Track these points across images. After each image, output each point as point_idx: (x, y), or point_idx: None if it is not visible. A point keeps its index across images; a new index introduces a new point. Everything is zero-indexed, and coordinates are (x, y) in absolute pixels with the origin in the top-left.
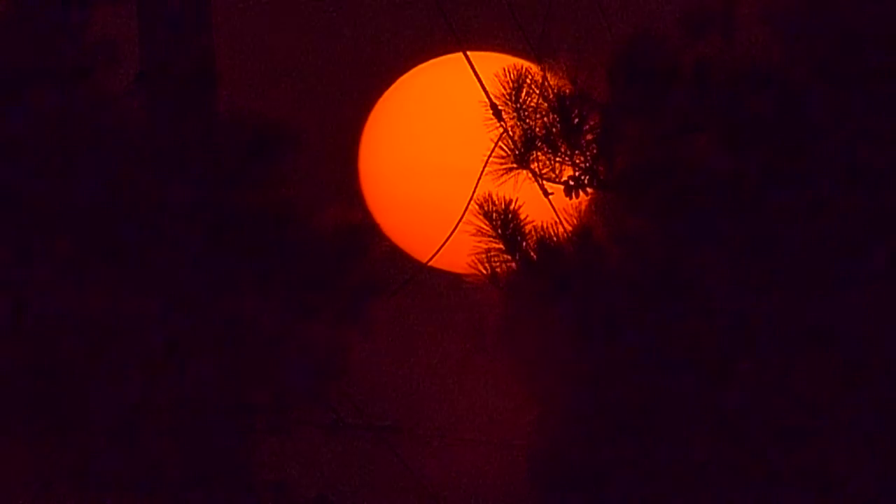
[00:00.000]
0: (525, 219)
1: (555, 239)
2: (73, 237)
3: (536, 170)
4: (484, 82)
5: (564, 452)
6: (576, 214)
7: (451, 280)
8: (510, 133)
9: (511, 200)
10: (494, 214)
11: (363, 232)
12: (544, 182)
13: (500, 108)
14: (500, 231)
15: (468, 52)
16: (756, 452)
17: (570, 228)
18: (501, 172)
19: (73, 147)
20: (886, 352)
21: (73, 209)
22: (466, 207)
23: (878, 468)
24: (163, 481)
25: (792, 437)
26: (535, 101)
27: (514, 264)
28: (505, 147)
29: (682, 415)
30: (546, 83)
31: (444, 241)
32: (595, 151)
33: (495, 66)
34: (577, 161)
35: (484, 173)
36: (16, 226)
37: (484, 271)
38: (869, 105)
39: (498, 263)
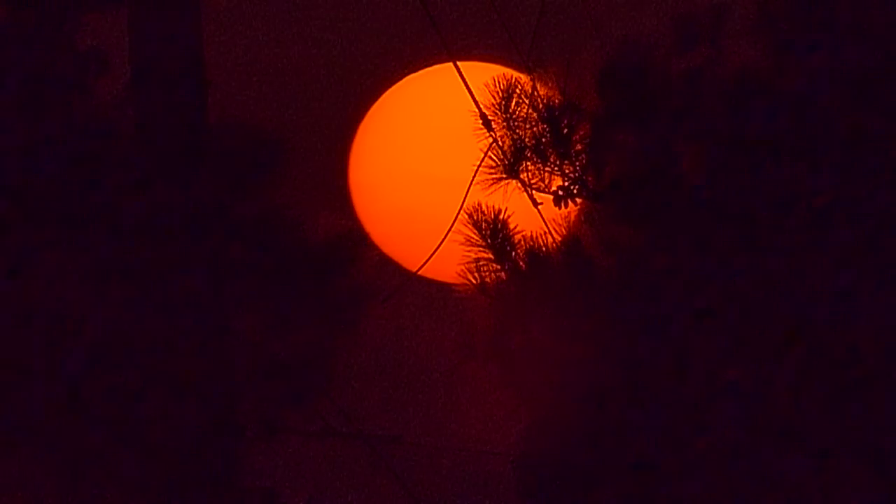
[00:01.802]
0: (514, 228)
1: (544, 248)
2: (63, 245)
3: (526, 180)
4: (474, 92)
5: (552, 461)
6: (565, 224)
7: (441, 289)
8: (500, 143)
9: (500, 210)
10: (484, 224)
11: (353, 241)
12: (534, 192)
13: (489, 117)
14: (489, 240)
15: (458, 62)
16: (748, 459)
17: (559, 238)
18: (491, 182)
19: (64, 154)
20: (883, 354)
21: (64, 217)
22: (456, 217)
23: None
24: (152, 488)
25: (785, 442)
26: (524, 111)
27: (503, 273)
28: (494, 157)
29: (672, 423)
30: (535, 93)
31: (433, 250)
32: (584, 161)
33: (485, 76)
34: (567, 171)
35: (473, 183)
36: (9, 233)
37: (473, 280)
38: (860, 112)
39: (487, 273)
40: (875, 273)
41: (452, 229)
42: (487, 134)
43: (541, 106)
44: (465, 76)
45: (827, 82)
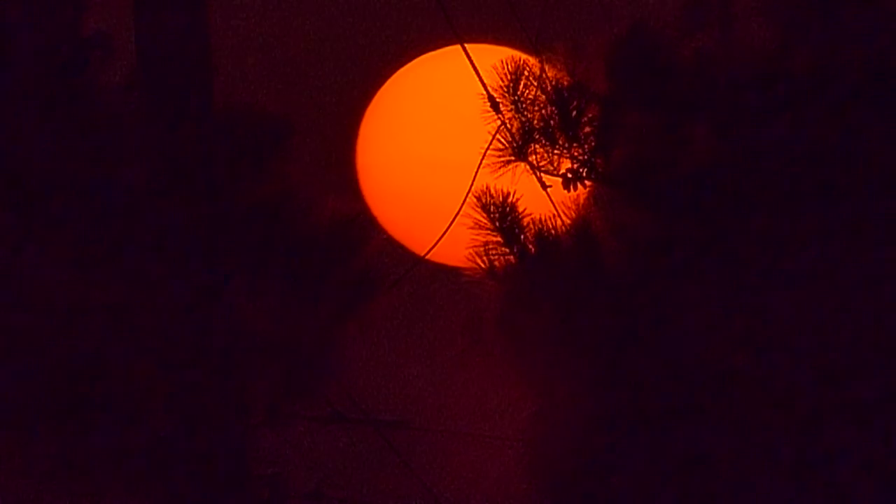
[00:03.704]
0: (523, 211)
1: (553, 232)
2: (69, 232)
3: (534, 162)
4: (482, 75)
5: (562, 446)
6: (574, 207)
7: (449, 273)
8: (508, 125)
9: (509, 193)
10: (492, 207)
11: (361, 225)
12: (542, 175)
13: (497, 100)
14: (497, 224)
15: (466, 45)
16: (759, 447)
17: (568, 221)
18: (499, 165)
19: (69, 140)
20: (884, 350)
21: (70, 204)
22: (464, 200)
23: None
24: (159, 474)
25: (794, 432)
26: (533, 93)
27: (512, 257)
28: (503, 140)
29: (680, 408)
30: (544, 75)
31: (441, 233)
32: (593, 144)
33: (493, 58)
34: (576, 153)
35: (482, 166)
36: (12, 221)
37: (482, 264)
38: (867, 97)
39: (496, 256)
40: (886, 262)
41: (461, 213)
42: (496, 116)
43: (549, 88)
44: (473, 58)
45: (836, 66)
